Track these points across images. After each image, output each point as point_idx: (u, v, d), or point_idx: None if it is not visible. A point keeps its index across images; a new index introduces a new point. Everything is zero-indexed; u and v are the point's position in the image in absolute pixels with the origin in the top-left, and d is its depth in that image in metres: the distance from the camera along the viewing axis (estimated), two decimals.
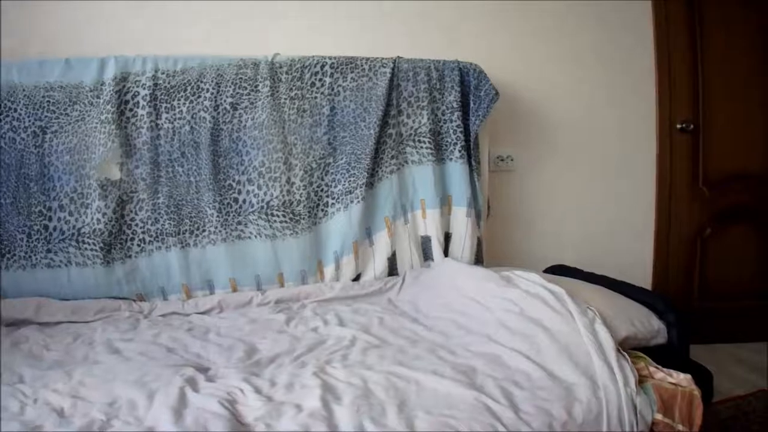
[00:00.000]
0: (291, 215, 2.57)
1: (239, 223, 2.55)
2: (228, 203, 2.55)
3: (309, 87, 2.65)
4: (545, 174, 3.37)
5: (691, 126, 3.50)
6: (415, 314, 2.23)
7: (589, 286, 2.16)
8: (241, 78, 2.58)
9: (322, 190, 2.65)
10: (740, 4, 3.54)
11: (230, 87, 2.56)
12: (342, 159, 2.65)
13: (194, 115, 2.53)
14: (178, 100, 2.52)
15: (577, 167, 3.41)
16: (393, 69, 2.70)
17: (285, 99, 2.62)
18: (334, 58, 2.70)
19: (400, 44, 2.96)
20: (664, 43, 3.47)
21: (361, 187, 2.62)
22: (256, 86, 2.59)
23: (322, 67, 2.65)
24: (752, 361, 3.36)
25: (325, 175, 2.66)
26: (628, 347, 1.87)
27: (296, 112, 2.63)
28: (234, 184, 2.57)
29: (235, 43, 2.83)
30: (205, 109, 2.53)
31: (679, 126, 3.50)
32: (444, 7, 3.17)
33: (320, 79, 2.65)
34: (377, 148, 2.67)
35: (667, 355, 1.91)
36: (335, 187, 2.65)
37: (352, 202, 2.63)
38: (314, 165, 2.64)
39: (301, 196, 2.60)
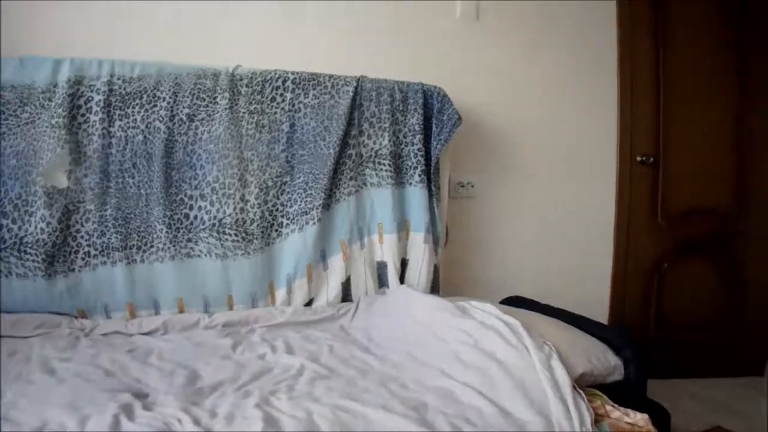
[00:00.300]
0: (244, 234, 2.47)
1: (189, 240, 2.43)
2: (179, 219, 2.44)
3: (269, 102, 2.57)
4: (505, 202, 3.33)
5: (651, 159, 3.51)
6: (367, 343, 2.14)
7: (546, 319, 2.10)
8: (199, 88, 2.49)
9: (277, 210, 2.55)
10: (705, 44, 3.59)
11: (188, 97, 2.47)
12: (299, 178, 2.56)
13: (149, 125, 2.42)
14: (133, 107, 2.41)
15: (537, 197, 3.38)
16: (356, 88, 2.63)
17: (244, 113, 2.53)
18: (297, 73, 2.62)
19: (365, 63, 2.89)
20: (628, 77, 3.48)
21: (317, 209, 2.53)
22: (214, 98, 2.50)
23: (284, 82, 2.58)
24: (705, 396, 3.35)
25: (281, 194, 2.56)
26: (585, 384, 1.81)
27: (255, 127, 2.54)
28: (186, 199, 2.46)
29: (196, 51, 2.71)
30: (161, 118, 2.42)
31: (639, 159, 3.50)
32: (411, 28, 3.14)
33: (281, 95, 2.58)
34: (336, 168, 2.59)
35: (624, 392, 1.85)
36: (291, 207, 2.55)
37: (307, 223, 2.53)
38: (270, 183, 2.54)
39: (255, 215, 2.50)
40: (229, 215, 2.46)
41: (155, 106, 2.42)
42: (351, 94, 2.62)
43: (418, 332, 2.05)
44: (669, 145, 3.54)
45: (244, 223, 2.47)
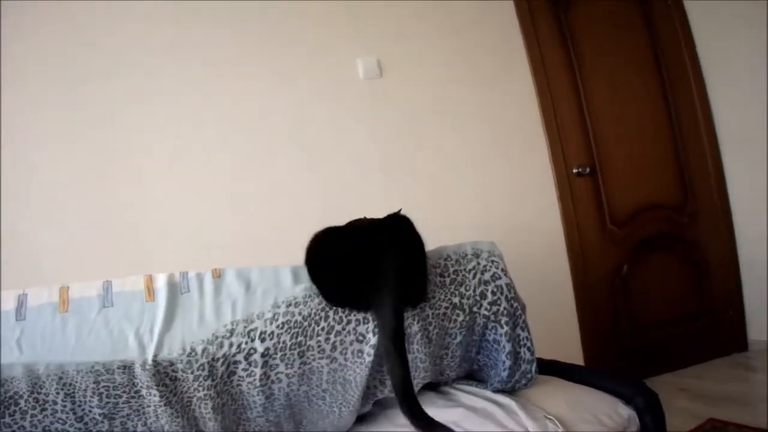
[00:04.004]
0: None
1: None
2: None
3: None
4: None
5: (588, 168, 3.34)
6: None
7: (537, 381, 1.77)
8: (106, 387, 1.44)
9: None
10: (613, 46, 3.51)
11: (94, 398, 1.43)
12: None
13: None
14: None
15: (478, 234, 3.11)
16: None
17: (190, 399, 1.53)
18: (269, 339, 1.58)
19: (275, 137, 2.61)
20: (547, 95, 3.34)
21: None
22: (137, 392, 1.46)
23: (248, 356, 1.57)
24: (694, 387, 3.18)
25: None
26: None
27: (212, 411, 1.53)
28: None
29: None
30: (62, 421, 1.43)
31: (575, 171, 3.32)
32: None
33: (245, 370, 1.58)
34: None
35: None
36: None
37: None
38: None
39: None
40: None
41: (45, 410, 1.41)
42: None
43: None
44: (603, 151, 3.40)
45: None
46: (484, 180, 3.18)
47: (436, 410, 1.68)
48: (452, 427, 1.55)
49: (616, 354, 3.35)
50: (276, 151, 2.87)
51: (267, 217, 2.80)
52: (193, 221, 2.71)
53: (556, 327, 3.19)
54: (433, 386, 1.80)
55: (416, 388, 1.66)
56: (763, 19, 3.22)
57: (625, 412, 1.60)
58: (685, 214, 3.53)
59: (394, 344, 1.43)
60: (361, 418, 1.80)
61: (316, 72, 2.97)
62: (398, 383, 1.43)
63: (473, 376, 1.79)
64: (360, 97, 3.02)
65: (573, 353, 3.22)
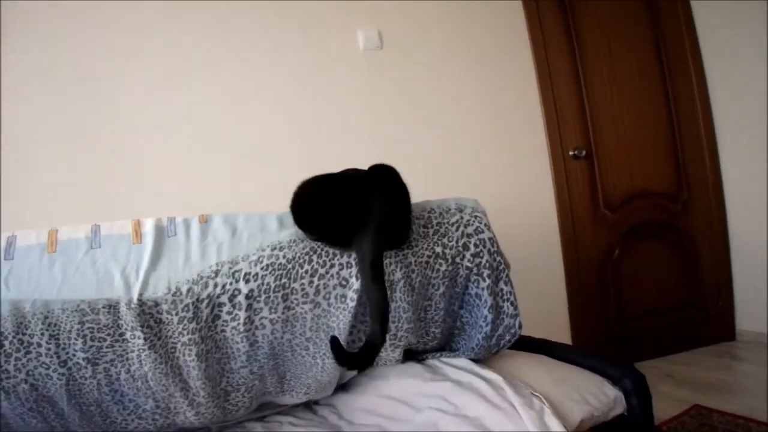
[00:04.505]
0: None
1: None
2: None
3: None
4: None
5: (584, 152, 3.31)
6: (337, 421, 1.74)
7: (526, 359, 1.76)
8: (90, 329, 1.42)
9: None
10: (615, 32, 3.45)
11: (78, 340, 1.41)
12: None
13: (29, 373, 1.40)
14: None
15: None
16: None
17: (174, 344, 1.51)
18: (253, 280, 1.61)
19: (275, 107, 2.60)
20: (546, 76, 3.30)
21: None
22: (121, 335, 1.44)
23: (232, 298, 1.57)
24: (680, 374, 3.19)
25: None
26: (586, 428, 1.47)
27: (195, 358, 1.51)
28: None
29: None
30: (45, 365, 1.40)
31: (571, 153, 3.30)
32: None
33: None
34: None
35: (628, 425, 1.53)
36: None
37: None
38: None
39: None
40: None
41: (29, 353, 1.39)
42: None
43: (389, 405, 1.68)
44: (600, 136, 3.37)
45: None
46: (479, 157, 3.15)
47: (422, 383, 1.67)
48: (442, 403, 1.54)
49: (604, 337, 3.36)
50: (269, 119, 2.83)
51: (256, 183, 2.77)
52: (185, 187, 2.68)
53: (546, 307, 3.19)
54: (420, 359, 1.78)
55: (400, 347, 1.66)
56: (765, 12, 3.19)
57: (612, 392, 1.58)
58: (678, 203, 3.51)
59: (372, 274, 1.42)
60: (348, 388, 1.78)
61: (315, 40, 2.92)
62: (375, 310, 1.43)
63: (456, 342, 1.76)
64: (358, 68, 2.98)
65: (561, 335, 3.22)
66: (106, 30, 2.62)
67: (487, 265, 1.65)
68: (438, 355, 1.76)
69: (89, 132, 2.58)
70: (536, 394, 1.48)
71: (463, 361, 1.69)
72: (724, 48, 3.47)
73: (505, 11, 3.25)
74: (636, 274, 3.43)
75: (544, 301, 3.18)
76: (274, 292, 1.49)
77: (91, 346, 1.40)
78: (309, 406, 1.86)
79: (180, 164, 2.70)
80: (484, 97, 3.18)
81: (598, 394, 1.55)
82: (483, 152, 3.16)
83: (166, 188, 2.65)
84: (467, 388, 1.55)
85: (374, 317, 1.43)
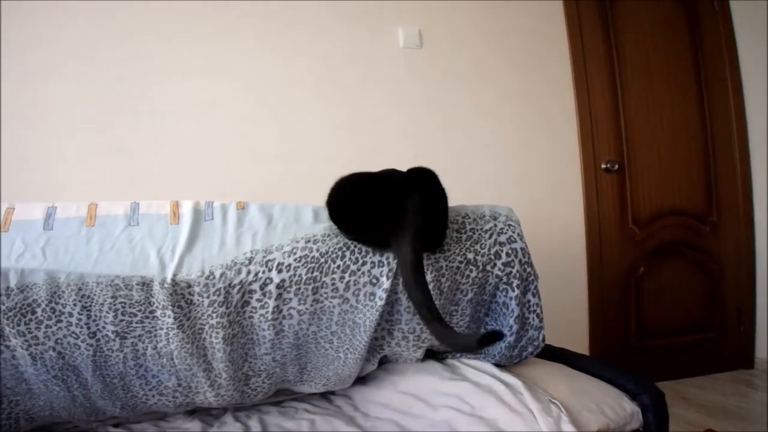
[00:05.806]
0: None
1: None
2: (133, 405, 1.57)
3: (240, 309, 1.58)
4: None
5: (616, 166, 3.28)
6: (353, 413, 1.75)
7: (547, 367, 1.75)
8: (123, 303, 1.44)
9: None
10: (655, 45, 3.42)
11: (109, 313, 1.44)
12: None
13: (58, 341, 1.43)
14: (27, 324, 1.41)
15: None
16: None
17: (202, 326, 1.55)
18: (286, 270, 1.61)
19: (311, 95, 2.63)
20: (584, 85, 3.27)
21: None
22: (151, 312, 1.47)
23: (263, 286, 1.60)
24: (694, 397, 3.15)
25: None
26: None
27: (222, 341, 1.54)
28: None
29: None
30: (74, 335, 1.43)
31: (603, 166, 3.27)
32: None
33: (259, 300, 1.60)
34: None
35: None
36: None
37: None
38: None
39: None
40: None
41: (60, 322, 1.42)
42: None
43: (405, 400, 1.68)
44: (633, 150, 3.34)
45: None
46: (509, 163, 3.14)
47: (440, 381, 1.67)
48: (459, 402, 1.54)
49: (622, 353, 3.33)
50: (303, 111, 2.85)
51: (286, 174, 2.79)
52: (215, 174, 2.70)
53: (566, 318, 3.18)
54: (439, 358, 1.79)
55: (422, 348, 1.67)
56: None
57: (629, 407, 1.57)
58: (707, 224, 3.47)
59: (414, 277, 1.42)
60: (366, 381, 1.79)
61: (355, 33, 2.94)
62: (423, 310, 1.42)
63: None
64: (396, 65, 2.99)
65: (579, 346, 3.20)
66: (147, 10, 2.66)
67: (517, 275, 1.65)
68: (458, 355, 1.76)
69: (125, 114, 2.62)
70: (554, 401, 1.48)
71: (482, 363, 1.69)
72: (764, 65, 3.42)
73: (546, 19, 3.24)
74: (659, 292, 3.40)
75: (564, 310, 3.16)
76: (305, 284, 1.50)
77: (121, 320, 1.43)
78: (325, 395, 1.88)
79: (213, 150, 2.73)
80: (519, 103, 3.17)
81: (615, 407, 1.54)
82: (514, 159, 3.15)
83: (200, 172, 2.68)
84: (485, 390, 1.55)
85: (424, 319, 1.44)
